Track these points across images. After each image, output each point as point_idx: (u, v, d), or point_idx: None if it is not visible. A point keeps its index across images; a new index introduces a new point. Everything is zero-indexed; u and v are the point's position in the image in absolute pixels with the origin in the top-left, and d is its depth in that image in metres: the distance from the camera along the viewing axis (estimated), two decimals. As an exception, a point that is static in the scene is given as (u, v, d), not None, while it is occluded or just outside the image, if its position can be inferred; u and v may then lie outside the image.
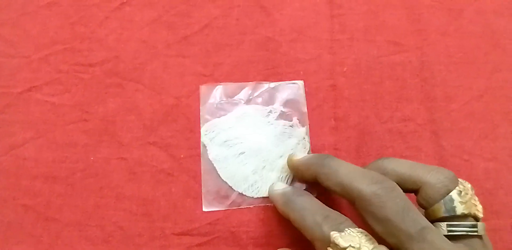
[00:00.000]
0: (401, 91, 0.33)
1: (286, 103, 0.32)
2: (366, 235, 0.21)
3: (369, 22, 0.35)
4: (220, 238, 0.29)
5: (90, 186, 0.30)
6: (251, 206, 0.30)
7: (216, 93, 0.32)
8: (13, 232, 0.29)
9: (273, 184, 0.28)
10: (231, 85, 0.33)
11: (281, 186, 0.27)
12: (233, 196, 0.30)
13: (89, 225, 0.29)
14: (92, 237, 0.29)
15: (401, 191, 0.22)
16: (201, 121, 0.32)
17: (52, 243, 0.29)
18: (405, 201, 0.21)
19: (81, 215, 0.29)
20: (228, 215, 0.29)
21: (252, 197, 0.30)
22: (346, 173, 0.23)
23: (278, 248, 0.28)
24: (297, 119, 0.32)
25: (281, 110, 0.32)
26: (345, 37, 0.34)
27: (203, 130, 0.31)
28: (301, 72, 0.33)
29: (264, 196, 0.29)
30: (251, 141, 0.31)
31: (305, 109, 0.32)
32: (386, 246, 0.21)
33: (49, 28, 0.34)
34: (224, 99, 0.32)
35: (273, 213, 0.29)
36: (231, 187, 0.30)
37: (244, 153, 0.31)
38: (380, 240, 0.22)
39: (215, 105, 0.32)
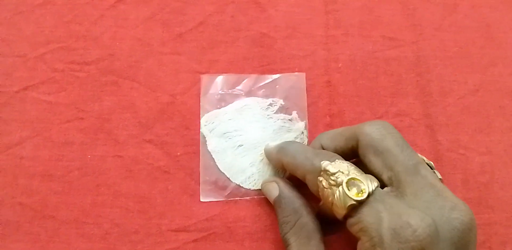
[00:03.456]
0: (397, 86, 0.33)
1: (287, 96, 0.32)
2: (355, 167, 0.22)
3: (364, 17, 0.35)
4: (217, 233, 0.29)
5: (87, 184, 0.30)
6: (247, 198, 0.30)
7: (217, 84, 0.32)
8: (11, 230, 0.29)
9: (268, 143, 0.30)
10: (233, 76, 0.33)
11: (276, 143, 0.28)
12: (230, 188, 0.30)
13: (86, 223, 0.29)
14: (89, 234, 0.29)
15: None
16: (201, 112, 0.32)
17: (49, 241, 0.29)
18: (402, 138, 0.23)
19: (78, 212, 0.29)
20: (225, 210, 0.29)
21: (249, 189, 0.30)
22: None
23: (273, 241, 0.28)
24: (297, 113, 0.32)
25: (281, 104, 0.32)
26: (339, 33, 0.34)
27: (203, 120, 0.31)
28: (296, 68, 0.33)
29: (260, 188, 0.30)
30: (250, 134, 0.31)
31: (305, 104, 0.32)
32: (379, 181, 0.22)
33: (44, 27, 0.34)
34: (225, 90, 0.32)
35: (269, 208, 0.29)
36: (228, 178, 0.30)
37: (242, 145, 0.31)
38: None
39: (215, 96, 0.32)
